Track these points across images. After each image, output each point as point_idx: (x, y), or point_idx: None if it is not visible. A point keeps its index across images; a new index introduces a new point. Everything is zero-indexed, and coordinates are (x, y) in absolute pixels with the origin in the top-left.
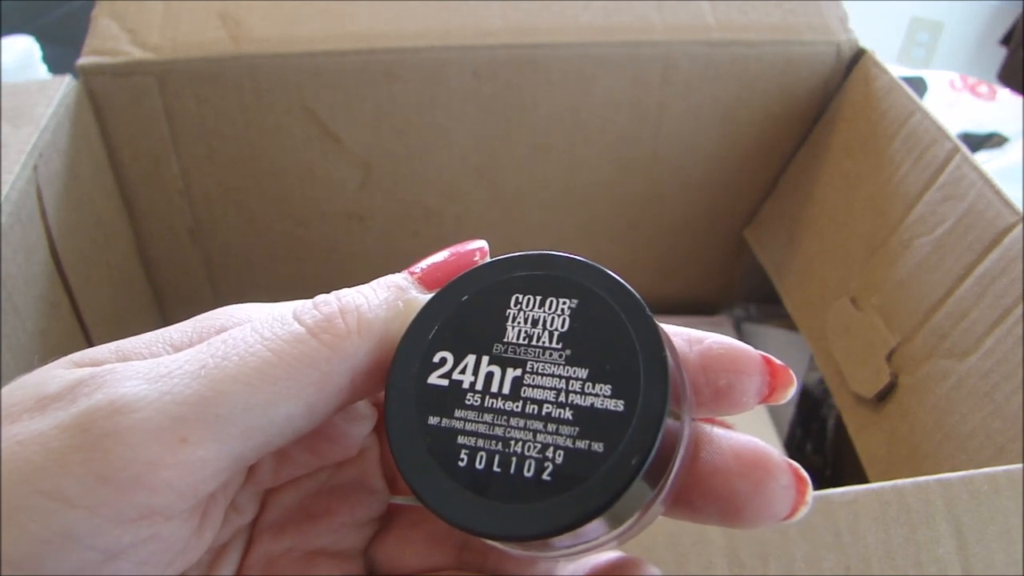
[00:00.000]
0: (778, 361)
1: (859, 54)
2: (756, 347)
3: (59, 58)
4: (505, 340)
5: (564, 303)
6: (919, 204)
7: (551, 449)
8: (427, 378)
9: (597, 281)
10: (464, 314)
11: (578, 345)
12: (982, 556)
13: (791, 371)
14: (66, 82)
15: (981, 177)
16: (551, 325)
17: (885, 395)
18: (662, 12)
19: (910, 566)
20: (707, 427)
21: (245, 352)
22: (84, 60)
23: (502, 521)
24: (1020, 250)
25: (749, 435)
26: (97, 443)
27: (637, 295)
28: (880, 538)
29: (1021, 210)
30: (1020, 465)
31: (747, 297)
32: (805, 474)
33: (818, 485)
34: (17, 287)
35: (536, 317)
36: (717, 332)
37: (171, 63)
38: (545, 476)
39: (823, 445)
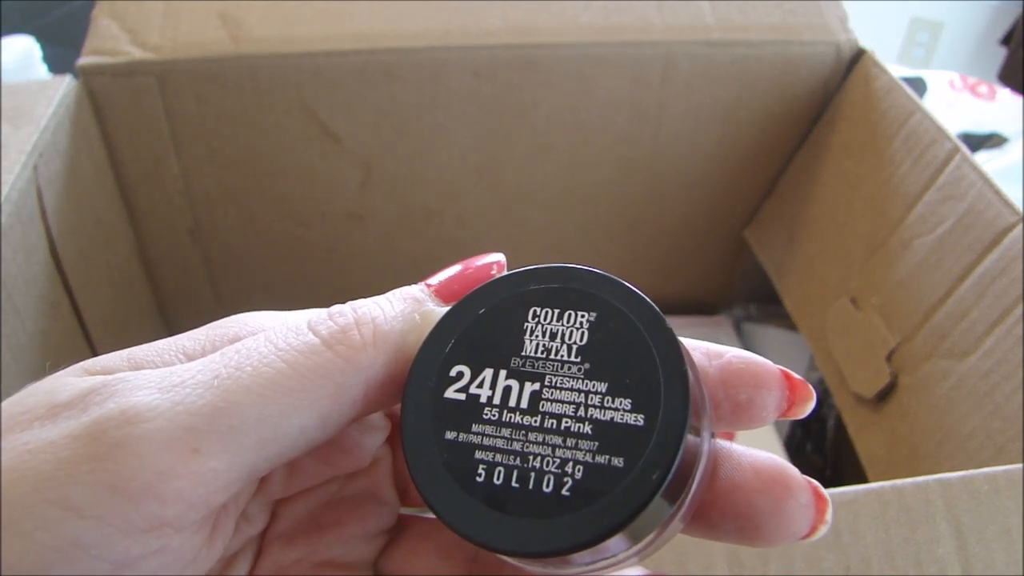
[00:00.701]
0: (797, 376)
1: (859, 54)
2: (756, 347)
3: (59, 58)
4: (523, 354)
5: (583, 316)
6: (919, 204)
7: (570, 464)
8: (444, 392)
9: (616, 294)
10: (481, 327)
11: (597, 359)
12: (982, 556)
13: (810, 386)
14: (66, 82)
15: (981, 177)
16: (569, 338)
17: (885, 395)
18: (662, 12)
19: (910, 566)
20: (726, 443)
21: (259, 363)
22: (84, 60)
23: (521, 537)
24: (1020, 250)
25: (768, 452)
26: (108, 452)
27: (656, 308)
28: (880, 538)
29: (1021, 210)
30: (1020, 465)
31: (747, 297)
32: (825, 492)
33: None
34: (17, 287)
35: (554, 330)
36: (717, 332)
37: (171, 63)
38: (564, 491)
39: (823, 445)
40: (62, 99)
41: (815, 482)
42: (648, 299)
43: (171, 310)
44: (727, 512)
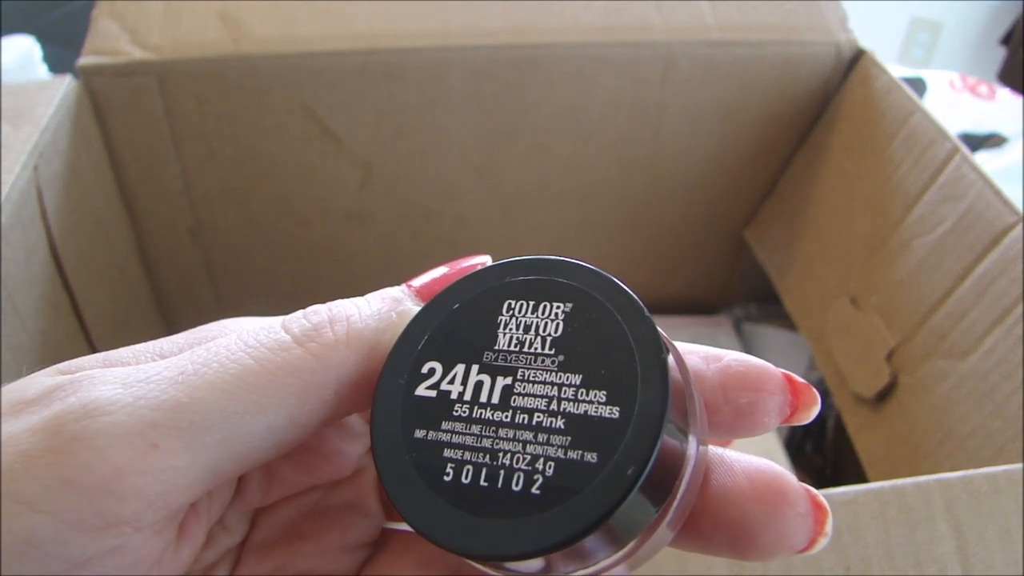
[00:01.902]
0: (800, 379)
1: (859, 54)
2: (756, 347)
3: (59, 58)
4: (496, 348)
5: (558, 307)
6: (919, 204)
7: (541, 460)
8: (415, 389)
9: (593, 284)
10: (455, 322)
11: (572, 350)
12: (982, 556)
13: (814, 390)
14: (66, 82)
15: (981, 177)
16: (544, 330)
17: (885, 395)
18: (662, 12)
19: (910, 566)
20: (719, 449)
21: (226, 359)
22: (84, 60)
23: (487, 539)
24: (1020, 250)
25: (763, 458)
26: (65, 446)
27: (635, 297)
28: (880, 538)
29: (1021, 210)
30: (1020, 465)
31: (747, 297)
32: (824, 502)
33: (818, 485)
34: (17, 287)
35: (529, 323)
36: (717, 332)
37: (171, 63)
38: (534, 489)
39: (823, 445)
40: (62, 99)
41: (814, 491)
42: (627, 288)
43: (171, 310)
44: (719, 521)
